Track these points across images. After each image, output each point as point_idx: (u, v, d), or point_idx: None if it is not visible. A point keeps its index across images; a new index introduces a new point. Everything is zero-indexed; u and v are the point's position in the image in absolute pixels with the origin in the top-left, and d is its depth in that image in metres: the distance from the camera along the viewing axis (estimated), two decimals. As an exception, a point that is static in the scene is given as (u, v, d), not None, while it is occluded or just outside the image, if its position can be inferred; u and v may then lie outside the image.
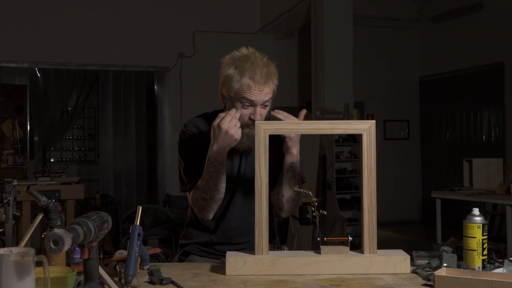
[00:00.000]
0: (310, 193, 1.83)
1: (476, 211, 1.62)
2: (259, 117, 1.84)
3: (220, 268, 1.65)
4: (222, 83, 1.88)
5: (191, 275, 1.60)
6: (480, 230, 1.59)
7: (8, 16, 7.51)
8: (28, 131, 7.46)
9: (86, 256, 1.29)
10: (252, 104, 1.83)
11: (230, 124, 1.78)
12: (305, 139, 6.64)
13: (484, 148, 8.09)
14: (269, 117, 1.95)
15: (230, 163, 1.96)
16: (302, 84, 8.65)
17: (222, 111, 1.95)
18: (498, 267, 1.60)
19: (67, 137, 8.32)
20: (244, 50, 1.87)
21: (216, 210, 1.96)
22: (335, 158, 7.09)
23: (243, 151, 1.96)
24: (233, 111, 1.81)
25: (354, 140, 7.18)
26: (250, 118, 1.85)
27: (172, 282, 1.49)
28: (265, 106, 1.87)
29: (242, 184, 1.97)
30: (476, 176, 5.36)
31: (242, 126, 1.85)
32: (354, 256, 1.62)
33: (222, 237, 2.00)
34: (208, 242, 2.02)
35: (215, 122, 1.80)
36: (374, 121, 1.67)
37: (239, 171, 1.98)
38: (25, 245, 1.38)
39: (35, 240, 4.06)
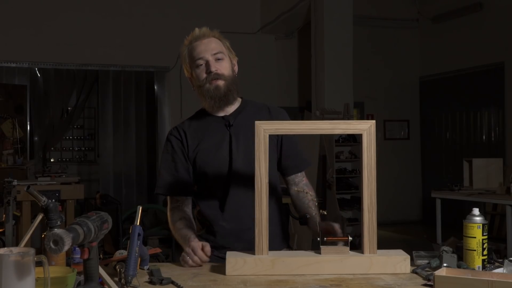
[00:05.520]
0: (311, 193, 1.84)
1: (476, 211, 1.62)
2: (215, 69, 1.92)
3: (220, 268, 1.65)
4: (184, 67, 2.03)
5: (191, 275, 1.60)
6: (480, 230, 1.59)
7: (8, 16, 7.51)
8: (28, 131, 7.46)
9: (86, 256, 1.28)
10: (203, 59, 1.93)
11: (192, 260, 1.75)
12: (305, 139, 6.61)
13: (484, 148, 8.09)
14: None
15: (220, 158, 1.95)
16: (302, 84, 8.66)
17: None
18: (498, 267, 1.60)
19: (67, 137, 8.31)
20: None
21: (209, 209, 1.97)
22: (335, 158, 7.09)
23: (231, 141, 1.96)
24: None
25: (354, 140, 7.18)
26: (206, 73, 1.93)
27: (172, 282, 1.49)
28: (218, 59, 1.94)
29: (236, 183, 1.93)
30: (476, 176, 5.35)
31: (203, 84, 1.94)
32: (354, 256, 1.62)
33: (221, 241, 1.95)
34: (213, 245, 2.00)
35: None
36: (374, 121, 1.66)
37: (231, 167, 1.94)
38: (25, 245, 1.38)
39: (35, 240, 4.06)
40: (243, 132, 1.94)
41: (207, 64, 1.93)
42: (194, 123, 2.03)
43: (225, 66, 1.95)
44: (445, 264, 1.59)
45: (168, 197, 2.04)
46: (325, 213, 1.97)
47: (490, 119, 8.07)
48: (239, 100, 2.06)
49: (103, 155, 8.01)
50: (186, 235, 1.87)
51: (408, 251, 1.67)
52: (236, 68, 2.03)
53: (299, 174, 2.06)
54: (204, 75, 1.93)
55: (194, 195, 2.06)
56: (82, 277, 1.34)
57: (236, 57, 2.04)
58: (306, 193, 2.03)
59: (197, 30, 1.99)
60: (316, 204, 2.04)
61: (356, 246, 1.79)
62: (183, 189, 2.00)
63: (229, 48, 2.01)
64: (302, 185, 2.05)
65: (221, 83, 1.93)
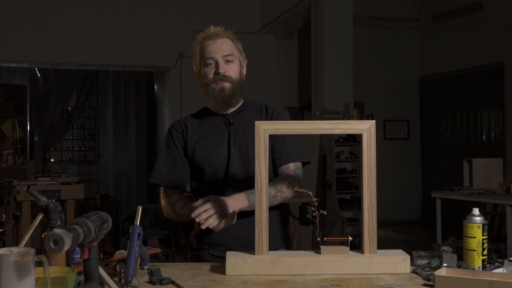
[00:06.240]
0: (310, 193, 1.84)
1: (476, 211, 1.62)
2: (223, 71, 1.93)
3: (220, 268, 1.65)
4: (194, 63, 2.04)
5: (191, 275, 1.60)
6: (480, 230, 1.59)
7: (8, 16, 7.51)
8: (28, 131, 7.46)
9: (86, 256, 1.28)
10: (213, 59, 1.94)
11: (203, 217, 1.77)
12: (305, 139, 6.61)
13: (484, 148, 8.09)
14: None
15: (218, 155, 1.95)
16: (302, 84, 8.65)
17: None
18: (498, 267, 1.60)
19: (67, 137, 8.31)
20: None
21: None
22: (335, 158, 7.09)
23: (230, 139, 1.96)
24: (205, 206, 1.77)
25: (354, 140, 7.18)
26: (214, 74, 1.94)
27: (172, 282, 1.49)
28: (228, 61, 1.95)
29: (233, 181, 1.93)
30: (476, 176, 5.35)
31: (210, 83, 1.95)
32: (354, 256, 1.62)
33: (218, 238, 1.96)
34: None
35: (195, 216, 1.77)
36: (374, 121, 1.66)
37: (228, 165, 1.95)
38: (25, 245, 1.38)
39: (35, 240, 4.06)
40: (241, 130, 1.96)
41: (217, 64, 1.95)
42: (196, 119, 2.06)
43: (233, 69, 1.96)
44: (445, 264, 1.59)
45: (162, 188, 2.03)
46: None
47: (490, 119, 8.07)
48: (242, 100, 2.07)
49: (103, 155, 8.01)
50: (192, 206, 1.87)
51: (408, 251, 1.67)
52: (244, 71, 2.05)
53: (283, 166, 1.99)
54: (212, 76, 1.95)
55: (192, 191, 2.06)
56: (82, 277, 1.34)
57: (246, 60, 2.06)
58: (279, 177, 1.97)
59: (212, 28, 2.00)
60: (283, 192, 1.93)
61: (356, 246, 1.79)
62: (179, 183, 2.01)
63: (240, 51, 2.02)
64: (287, 172, 1.99)
65: (227, 85, 1.94)
